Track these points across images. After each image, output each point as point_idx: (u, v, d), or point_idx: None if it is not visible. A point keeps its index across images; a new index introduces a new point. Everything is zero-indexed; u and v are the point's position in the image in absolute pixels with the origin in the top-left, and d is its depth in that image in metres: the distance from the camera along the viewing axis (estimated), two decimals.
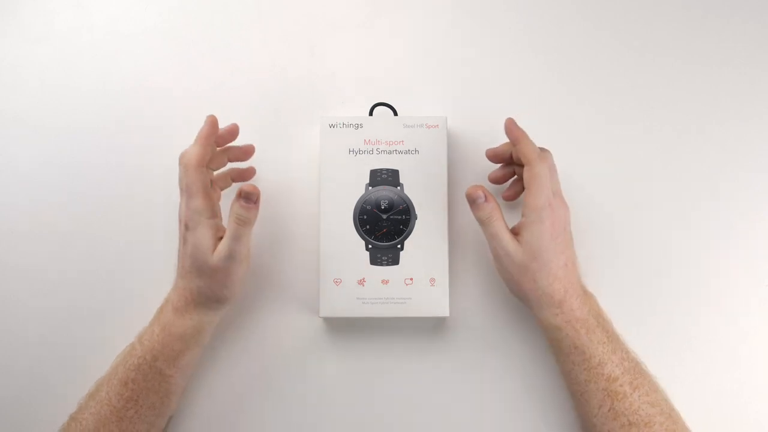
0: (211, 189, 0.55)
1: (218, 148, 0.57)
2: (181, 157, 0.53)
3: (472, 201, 0.53)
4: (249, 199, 0.50)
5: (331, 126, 0.59)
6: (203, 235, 0.52)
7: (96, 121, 0.62)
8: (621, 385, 0.51)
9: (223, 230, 0.53)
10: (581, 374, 0.52)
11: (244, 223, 0.51)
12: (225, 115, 0.62)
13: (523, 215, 0.53)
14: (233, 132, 0.57)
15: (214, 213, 0.53)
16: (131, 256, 0.61)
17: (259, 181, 0.60)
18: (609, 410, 0.51)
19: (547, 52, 0.63)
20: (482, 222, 0.53)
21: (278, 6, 0.63)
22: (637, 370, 0.52)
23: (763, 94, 0.62)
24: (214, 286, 0.52)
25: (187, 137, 0.62)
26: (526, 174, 0.52)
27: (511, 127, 0.54)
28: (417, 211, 0.58)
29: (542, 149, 0.54)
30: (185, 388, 0.57)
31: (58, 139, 0.62)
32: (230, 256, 0.51)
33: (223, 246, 0.51)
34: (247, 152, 0.59)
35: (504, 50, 0.63)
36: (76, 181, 0.62)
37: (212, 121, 0.54)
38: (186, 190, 0.53)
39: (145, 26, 0.63)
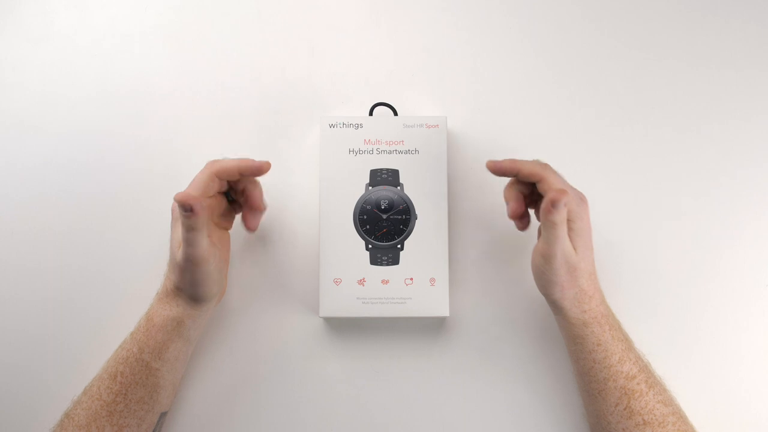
0: (213, 195, 0.54)
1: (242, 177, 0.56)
2: (212, 162, 0.53)
3: (555, 205, 0.48)
4: (183, 208, 0.48)
5: (331, 126, 0.59)
6: (178, 230, 0.52)
7: (96, 121, 0.62)
8: (638, 384, 0.51)
9: (210, 231, 0.53)
10: (601, 372, 0.52)
11: (189, 229, 0.49)
12: (225, 115, 0.62)
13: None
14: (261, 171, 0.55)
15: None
16: (131, 256, 0.60)
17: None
18: (625, 408, 0.51)
19: (547, 52, 0.63)
20: (554, 225, 0.49)
21: (278, 6, 0.63)
22: (649, 370, 0.53)
23: (763, 94, 0.62)
24: (184, 283, 0.52)
25: (186, 137, 0.62)
26: (543, 186, 0.52)
27: (498, 165, 0.53)
28: (417, 211, 0.58)
29: (534, 161, 0.53)
30: (178, 386, 0.57)
31: (58, 139, 0.62)
32: (187, 259, 0.50)
33: (181, 248, 0.51)
34: (259, 168, 0.56)
35: (504, 50, 0.63)
36: (76, 181, 0.61)
37: (261, 166, 0.54)
38: (191, 182, 0.53)
39: (145, 26, 0.63)
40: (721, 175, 0.61)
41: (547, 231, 0.50)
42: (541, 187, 0.52)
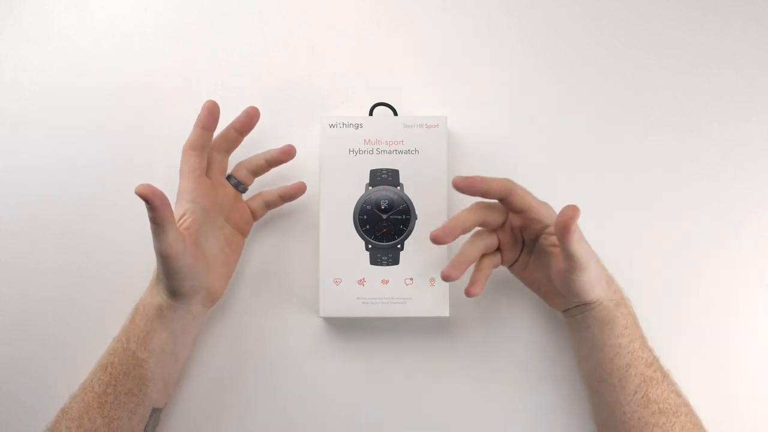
0: (202, 175, 0.55)
1: (239, 135, 0.57)
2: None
3: (573, 224, 0.46)
4: (146, 201, 0.48)
5: (331, 126, 0.59)
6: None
7: (96, 121, 0.62)
8: (655, 371, 0.52)
9: (204, 220, 0.55)
10: (625, 357, 0.52)
11: (151, 221, 0.49)
12: (225, 115, 0.62)
13: (539, 223, 0.52)
14: (251, 116, 0.56)
15: (194, 198, 0.54)
16: (131, 256, 0.60)
17: (260, 181, 0.60)
18: (643, 397, 0.51)
19: (548, 52, 0.63)
20: (576, 239, 0.48)
21: (278, 6, 0.63)
22: (659, 360, 0.53)
23: (763, 94, 0.62)
24: (159, 272, 0.52)
25: (187, 137, 0.62)
26: (518, 200, 0.51)
27: (468, 181, 0.51)
28: (417, 211, 0.58)
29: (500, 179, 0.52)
30: (173, 383, 0.56)
31: (58, 139, 0.62)
32: (156, 251, 0.50)
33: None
34: (286, 153, 0.58)
35: (504, 50, 0.63)
36: (76, 181, 0.62)
37: (208, 107, 0.55)
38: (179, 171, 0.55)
39: (145, 26, 0.63)
40: (721, 175, 0.61)
41: (572, 248, 0.48)
42: (512, 203, 0.51)
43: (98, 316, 0.60)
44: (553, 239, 0.51)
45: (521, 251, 0.55)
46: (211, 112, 0.55)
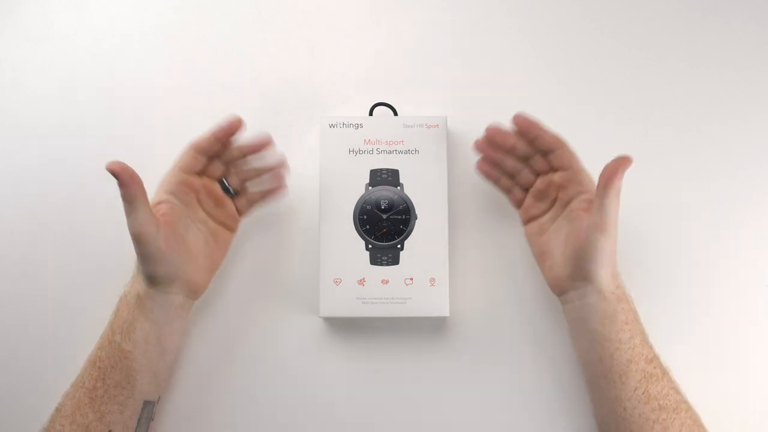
0: (192, 175, 0.55)
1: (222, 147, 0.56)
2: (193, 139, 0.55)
3: (621, 172, 0.50)
4: (116, 177, 0.49)
5: (331, 126, 0.59)
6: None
7: (96, 121, 0.62)
8: (655, 368, 0.52)
9: (174, 211, 0.54)
10: (625, 353, 0.52)
11: (123, 200, 0.50)
12: (225, 115, 0.62)
13: (572, 199, 0.54)
14: (233, 125, 0.55)
15: (173, 191, 0.54)
16: (131, 255, 0.60)
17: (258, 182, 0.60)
18: (643, 393, 0.51)
19: (548, 51, 0.63)
20: (618, 192, 0.50)
21: (278, 6, 0.63)
22: (659, 357, 0.53)
23: (763, 94, 0.62)
24: (137, 255, 0.52)
25: (186, 137, 0.62)
26: (566, 157, 0.54)
27: (525, 122, 0.54)
28: (417, 211, 0.58)
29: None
30: (164, 375, 0.55)
31: (58, 139, 0.62)
32: (129, 231, 0.51)
33: None
34: (261, 144, 0.57)
35: (504, 50, 0.63)
36: (76, 181, 0.62)
37: (231, 122, 0.54)
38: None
39: (145, 26, 0.63)
40: (721, 175, 0.61)
41: (608, 200, 0.50)
42: (560, 156, 0.54)
43: (98, 316, 0.60)
44: (585, 204, 0.53)
45: (546, 211, 0.56)
46: (232, 127, 0.55)
